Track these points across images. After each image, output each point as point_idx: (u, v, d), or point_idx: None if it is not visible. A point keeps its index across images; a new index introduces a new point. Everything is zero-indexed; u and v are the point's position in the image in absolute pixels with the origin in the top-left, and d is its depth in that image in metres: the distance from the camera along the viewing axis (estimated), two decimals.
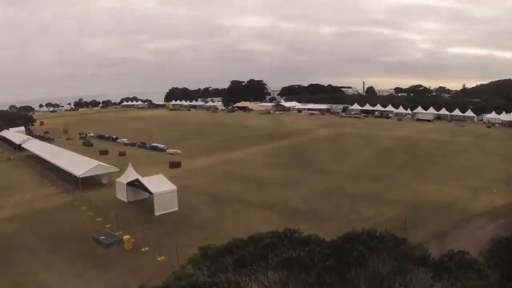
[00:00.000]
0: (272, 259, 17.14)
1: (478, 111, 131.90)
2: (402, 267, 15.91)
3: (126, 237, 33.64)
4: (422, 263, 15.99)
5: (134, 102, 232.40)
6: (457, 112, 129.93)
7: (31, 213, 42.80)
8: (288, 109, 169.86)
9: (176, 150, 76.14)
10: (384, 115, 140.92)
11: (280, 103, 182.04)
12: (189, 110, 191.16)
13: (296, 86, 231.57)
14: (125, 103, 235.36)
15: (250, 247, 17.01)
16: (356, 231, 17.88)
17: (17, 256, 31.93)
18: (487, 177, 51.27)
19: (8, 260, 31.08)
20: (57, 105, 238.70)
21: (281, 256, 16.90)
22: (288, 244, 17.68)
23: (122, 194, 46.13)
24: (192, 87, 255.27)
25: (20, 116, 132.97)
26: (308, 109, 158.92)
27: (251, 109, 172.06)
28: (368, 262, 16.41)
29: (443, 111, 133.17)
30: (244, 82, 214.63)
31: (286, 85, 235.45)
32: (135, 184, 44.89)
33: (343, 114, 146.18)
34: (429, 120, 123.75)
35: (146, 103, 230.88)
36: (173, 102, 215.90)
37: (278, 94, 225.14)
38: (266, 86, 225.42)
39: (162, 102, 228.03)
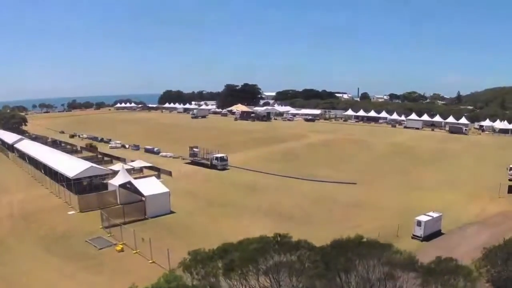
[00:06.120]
0: (262, 263, 17.15)
1: (472, 119, 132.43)
2: (390, 273, 16.00)
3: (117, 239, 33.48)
4: (411, 269, 16.09)
5: (128, 104, 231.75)
6: (451, 119, 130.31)
7: (23, 214, 42.49)
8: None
9: (169, 153, 76.00)
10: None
11: (274, 107, 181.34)
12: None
13: (290, 91, 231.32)
14: (118, 105, 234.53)
15: (240, 251, 17.03)
16: (343, 237, 18.00)
17: (9, 257, 31.75)
18: (480, 185, 51.43)
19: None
20: (50, 106, 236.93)
21: (270, 260, 16.93)
22: (278, 248, 17.70)
23: (114, 196, 45.78)
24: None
25: (13, 116, 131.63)
26: (302, 114, 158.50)
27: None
28: (357, 268, 16.50)
29: (438, 118, 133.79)
30: (238, 86, 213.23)
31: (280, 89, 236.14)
32: (127, 187, 44.68)
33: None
34: (417, 128, 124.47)
35: (140, 105, 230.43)
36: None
37: (273, 99, 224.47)
38: (261, 91, 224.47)
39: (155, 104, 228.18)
